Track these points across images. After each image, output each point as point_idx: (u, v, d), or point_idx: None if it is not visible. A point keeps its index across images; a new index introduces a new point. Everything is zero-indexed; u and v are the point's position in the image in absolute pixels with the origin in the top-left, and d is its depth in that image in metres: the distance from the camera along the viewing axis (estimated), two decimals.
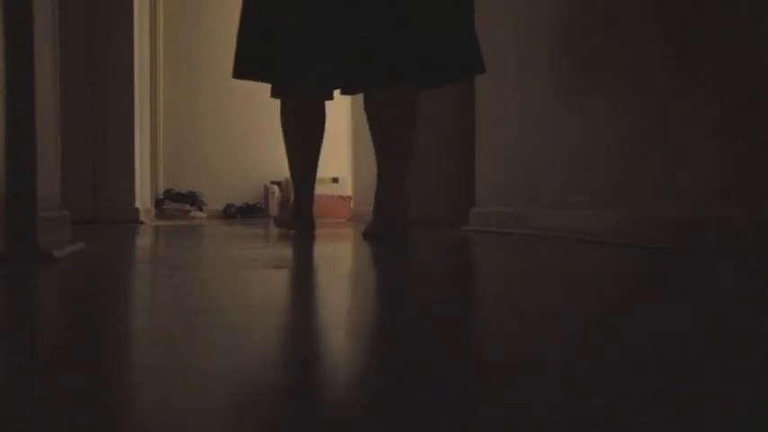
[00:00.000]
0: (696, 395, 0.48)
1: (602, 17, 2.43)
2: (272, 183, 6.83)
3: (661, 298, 0.99)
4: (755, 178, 1.77)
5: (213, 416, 0.44)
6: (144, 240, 2.60)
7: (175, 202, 6.56)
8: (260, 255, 1.80)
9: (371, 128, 2.52)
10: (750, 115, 1.79)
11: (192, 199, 6.68)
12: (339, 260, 1.67)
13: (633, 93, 2.26)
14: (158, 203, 6.46)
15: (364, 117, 5.64)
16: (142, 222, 4.64)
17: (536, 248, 2.03)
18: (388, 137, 2.45)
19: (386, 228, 2.45)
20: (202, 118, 6.93)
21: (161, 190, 6.72)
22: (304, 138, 2.63)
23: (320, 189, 6.25)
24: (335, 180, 6.57)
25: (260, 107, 6.84)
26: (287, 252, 1.92)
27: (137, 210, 4.68)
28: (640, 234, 2.14)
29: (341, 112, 6.41)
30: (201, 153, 6.98)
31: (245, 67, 2.56)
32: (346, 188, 6.59)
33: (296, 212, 2.79)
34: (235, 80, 6.47)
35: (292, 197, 2.83)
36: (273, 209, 6.76)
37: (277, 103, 3.90)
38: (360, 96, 4.64)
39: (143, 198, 5.03)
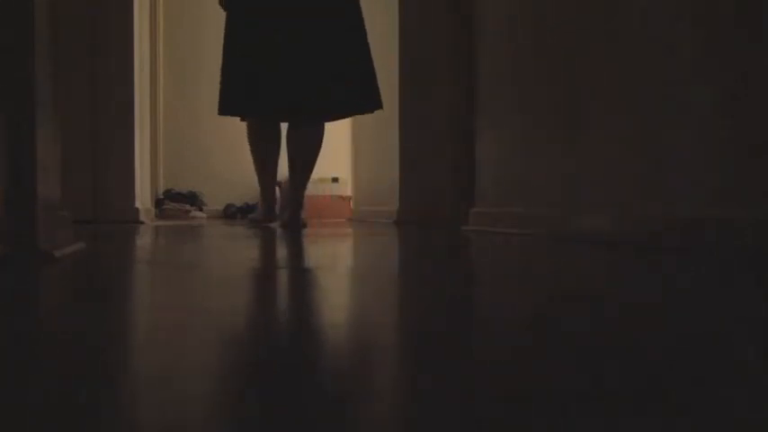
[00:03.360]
0: (696, 396, 0.48)
1: (600, 19, 2.43)
2: None
3: (660, 298, 0.99)
4: (755, 178, 1.77)
5: (212, 415, 0.44)
6: (144, 240, 2.60)
7: (175, 202, 6.56)
8: (258, 255, 1.80)
9: (289, 149, 3.50)
10: (750, 115, 1.79)
11: (192, 199, 6.67)
12: (337, 260, 1.67)
13: (632, 91, 2.26)
14: (158, 203, 6.46)
15: (364, 119, 5.66)
16: (142, 222, 4.63)
17: (536, 249, 2.03)
18: (303, 159, 3.48)
19: (297, 222, 3.47)
20: (202, 118, 6.92)
21: (161, 190, 6.72)
22: (265, 153, 3.50)
23: (320, 189, 6.23)
24: (335, 180, 6.56)
25: None
26: (285, 252, 1.92)
27: (137, 210, 4.68)
28: (640, 234, 2.14)
29: None
30: (201, 153, 6.97)
31: (231, 106, 3.39)
32: (346, 188, 6.59)
33: (267, 211, 3.65)
34: None
35: (261, 201, 3.74)
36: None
37: None
38: None
39: (143, 198, 5.02)
